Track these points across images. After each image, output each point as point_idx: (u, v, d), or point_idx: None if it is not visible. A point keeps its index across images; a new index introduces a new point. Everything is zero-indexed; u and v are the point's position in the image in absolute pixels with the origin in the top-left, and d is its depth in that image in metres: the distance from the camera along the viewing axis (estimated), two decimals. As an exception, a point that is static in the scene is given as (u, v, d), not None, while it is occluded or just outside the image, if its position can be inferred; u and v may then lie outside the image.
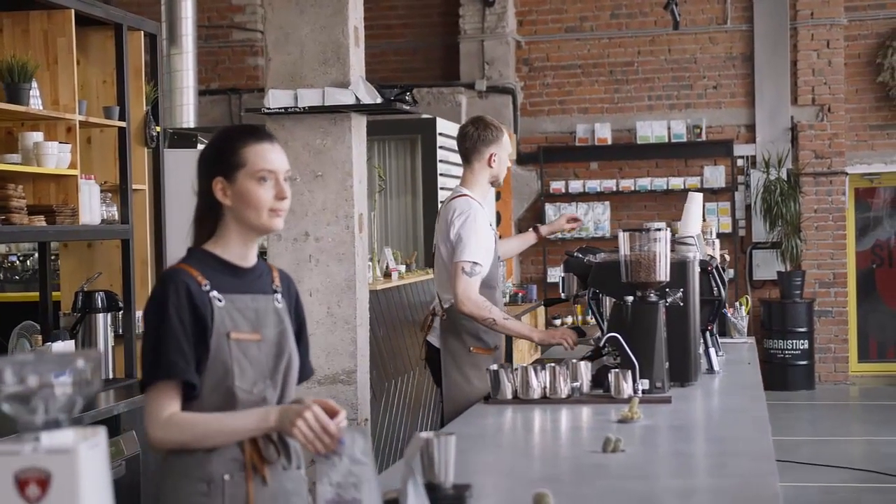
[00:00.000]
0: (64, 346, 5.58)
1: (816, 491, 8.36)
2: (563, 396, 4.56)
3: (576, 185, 13.78)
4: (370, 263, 7.62)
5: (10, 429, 1.90)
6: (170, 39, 10.39)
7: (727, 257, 8.03)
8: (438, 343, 5.57)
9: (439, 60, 14.44)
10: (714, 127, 13.73)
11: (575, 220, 6.17)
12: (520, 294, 12.22)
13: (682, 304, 4.88)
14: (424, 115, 10.72)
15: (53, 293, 6.23)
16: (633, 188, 13.65)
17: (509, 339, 6.69)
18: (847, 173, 13.53)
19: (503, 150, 5.65)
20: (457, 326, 5.49)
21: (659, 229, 4.79)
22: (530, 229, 6.28)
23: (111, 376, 5.93)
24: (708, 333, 5.54)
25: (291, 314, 3.11)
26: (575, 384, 4.62)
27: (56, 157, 5.52)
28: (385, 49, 14.18)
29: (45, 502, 1.81)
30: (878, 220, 14.06)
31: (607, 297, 5.21)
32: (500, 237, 6.20)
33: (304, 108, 6.08)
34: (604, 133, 13.79)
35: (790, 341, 13.08)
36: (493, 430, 4.21)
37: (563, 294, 5.65)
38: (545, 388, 4.58)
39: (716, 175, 13.51)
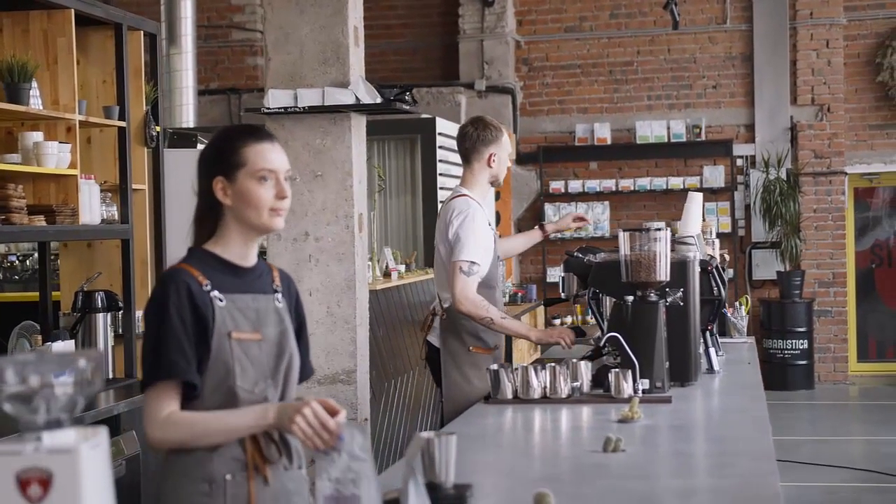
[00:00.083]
0: (64, 345, 5.58)
1: (816, 491, 8.36)
2: (564, 396, 4.56)
3: (575, 185, 13.78)
4: (370, 263, 7.62)
5: (12, 429, 1.90)
6: (169, 39, 10.39)
7: (727, 257, 8.03)
8: (438, 343, 5.57)
9: (439, 60, 14.44)
10: (713, 127, 13.73)
11: (581, 219, 6.17)
12: (519, 294, 12.22)
13: (682, 303, 4.89)
14: (424, 115, 10.72)
15: (53, 293, 6.22)
16: (632, 188, 13.65)
17: (509, 339, 6.70)
18: (846, 173, 13.53)
19: (503, 150, 5.65)
20: (457, 326, 5.49)
21: (659, 229, 4.79)
22: (536, 227, 6.29)
23: (111, 376, 5.92)
24: (708, 333, 5.54)
25: (292, 314, 3.11)
26: (575, 384, 4.62)
27: (56, 156, 5.52)
28: (384, 49, 14.18)
29: (47, 502, 1.81)
30: (878, 219, 14.06)
31: (607, 297, 5.21)
32: (504, 235, 6.21)
33: (303, 107, 6.08)
34: (603, 133, 13.79)
35: (789, 341, 13.08)
36: (493, 430, 4.21)
37: (563, 294, 5.66)
38: (545, 387, 4.58)
39: (715, 175, 13.51)
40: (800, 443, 10.13)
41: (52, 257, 6.63)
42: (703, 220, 6.71)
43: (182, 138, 8.55)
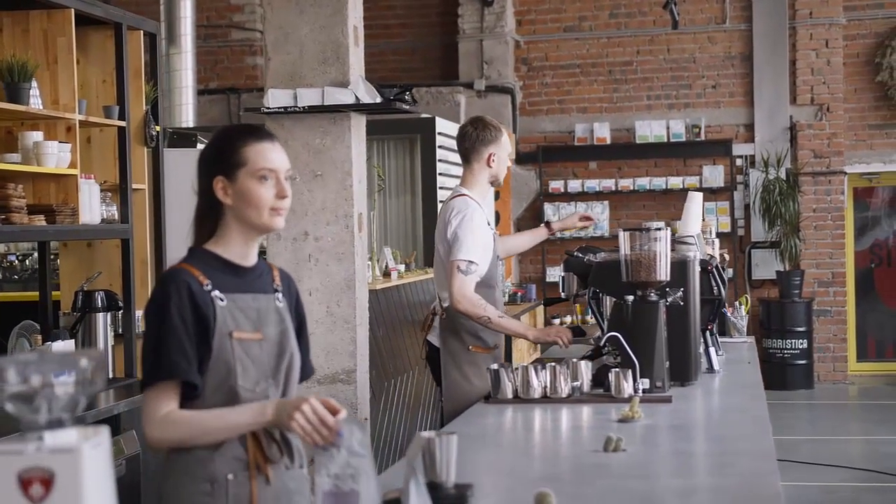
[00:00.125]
0: (64, 345, 5.58)
1: (816, 490, 8.37)
2: (564, 396, 4.57)
3: (574, 185, 13.78)
4: (369, 263, 7.62)
5: (14, 428, 1.90)
6: (169, 39, 10.39)
7: (726, 257, 8.03)
8: (438, 342, 5.58)
9: (438, 60, 14.44)
10: (713, 126, 13.73)
11: (587, 218, 6.17)
12: (519, 293, 12.23)
13: (682, 303, 4.89)
14: (423, 115, 10.72)
15: (53, 293, 6.22)
16: (631, 188, 13.65)
17: (509, 339, 6.70)
18: (846, 173, 13.53)
19: (502, 150, 5.65)
20: (456, 326, 5.50)
21: (659, 229, 4.79)
22: (542, 224, 6.31)
23: (111, 376, 5.92)
24: (708, 333, 5.55)
25: (292, 313, 3.11)
26: (575, 383, 4.63)
27: (56, 156, 5.52)
28: (384, 49, 14.18)
29: (49, 502, 1.81)
30: (877, 219, 14.06)
31: (607, 297, 5.21)
32: (508, 233, 6.22)
33: (303, 107, 6.08)
34: (603, 133, 13.79)
35: (789, 341, 13.08)
36: (493, 430, 4.21)
37: (563, 293, 5.66)
38: (545, 387, 4.59)
39: (714, 175, 13.51)
40: (799, 442, 10.14)
41: (52, 257, 6.63)
42: (703, 219, 6.71)
43: (182, 138, 8.55)
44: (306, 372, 3.15)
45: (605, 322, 5.16)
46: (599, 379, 4.69)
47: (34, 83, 5.49)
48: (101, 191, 5.94)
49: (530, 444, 4.13)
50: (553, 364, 4.62)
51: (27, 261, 9.27)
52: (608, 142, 13.78)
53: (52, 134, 5.66)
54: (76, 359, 1.92)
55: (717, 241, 7.24)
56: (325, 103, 6.06)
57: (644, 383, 4.58)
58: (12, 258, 9.33)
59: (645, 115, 13.82)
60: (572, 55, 14.02)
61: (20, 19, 5.70)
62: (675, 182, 13.52)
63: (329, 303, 6.17)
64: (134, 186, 6.17)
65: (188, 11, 10.59)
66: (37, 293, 6.21)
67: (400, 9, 14.51)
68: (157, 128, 6.47)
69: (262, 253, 6.23)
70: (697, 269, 5.15)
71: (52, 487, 1.81)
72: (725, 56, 13.73)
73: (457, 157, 5.93)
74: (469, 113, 12.91)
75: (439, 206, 9.99)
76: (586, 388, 4.66)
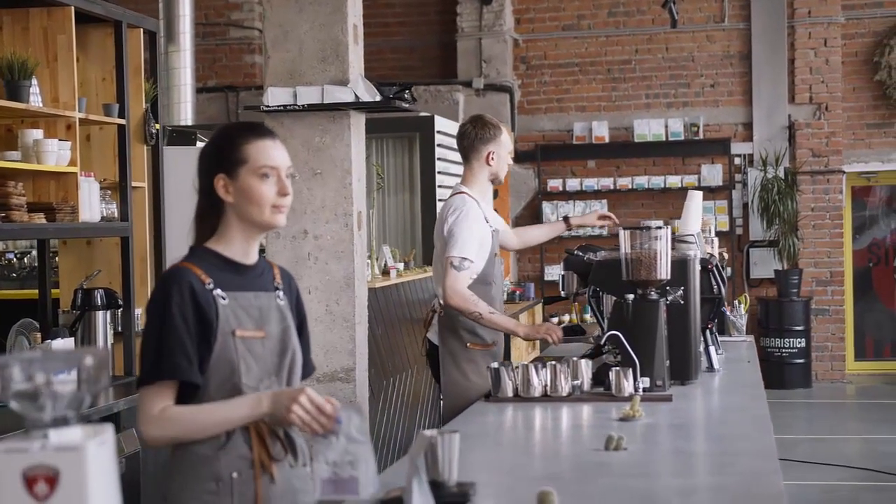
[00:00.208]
0: (63, 343, 5.58)
1: (814, 489, 8.37)
2: (564, 394, 4.57)
3: (573, 184, 13.78)
4: (368, 261, 7.62)
5: (18, 426, 1.90)
6: (167, 37, 10.38)
7: (726, 255, 8.03)
8: (437, 340, 5.59)
9: (437, 58, 14.43)
10: (711, 125, 13.73)
11: (606, 217, 6.15)
12: (517, 292, 12.23)
13: (682, 302, 4.88)
14: (422, 113, 10.72)
15: (52, 290, 6.22)
16: (630, 186, 13.65)
17: (508, 337, 6.70)
18: (844, 172, 13.54)
19: (502, 149, 5.67)
20: (454, 323, 5.51)
21: (660, 227, 4.79)
22: (561, 218, 6.34)
23: (111, 374, 5.92)
24: (708, 332, 5.55)
25: (293, 311, 3.11)
26: (576, 382, 4.63)
27: (56, 154, 5.52)
28: (382, 47, 14.17)
29: (54, 500, 1.81)
30: (875, 218, 14.07)
31: (607, 295, 5.21)
32: (521, 227, 6.25)
33: (303, 105, 6.08)
34: (601, 131, 13.78)
35: (787, 340, 13.08)
36: (494, 429, 4.21)
37: (562, 292, 5.66)
38: (546, 386, 4.59)
39: (713, 173, 13.51)
40: (797, 441, 10.14)
41: (51, 255, 6.62)
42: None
43: (181, 136, 8.54)
44: (307, 370, 3.16)
45: (605, 321, 5.16)
46: (600, 378, 4.69)
47: (34, 81, 5.49)
48: (101, 189, 5.94)
49: (531, 443, 4.13)
50: (553, 363, 4.62)
51: (25, 259, 9.26)
52: (606, 140, 13.77)
53: (51, 132, 5.66)
54: (80, 356, 1.91)
55: (716, 239, 7.24)
56: (325, 101, 6.06)
57: (644, 382, 4.58)
58: (10, 256, 9.33)
59: (643, 114, 13.82)
60: (571, 54, 14.02)
61: (20, 17, 5.70)
62: (674, 181, 13.52)
63: (328, 301, 6.17)
64: (133, 184, 6.17)
65: (187, 9, 10.59)
66: (35, 291, 6.21)
67: (399, 7, 14.51)
68: (157, 126, 6.46)
69: (262, 251, 6.23)
70: (698, 267, 5.15)
71: (56, 485, 1.81)
72: (724, 55, 13.73)
73: (456, 156, 5.94)
74: (467, 111, 12.92)
75: (438, 204, 10.02)
76: (587, 386, 4.66)
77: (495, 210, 6.51)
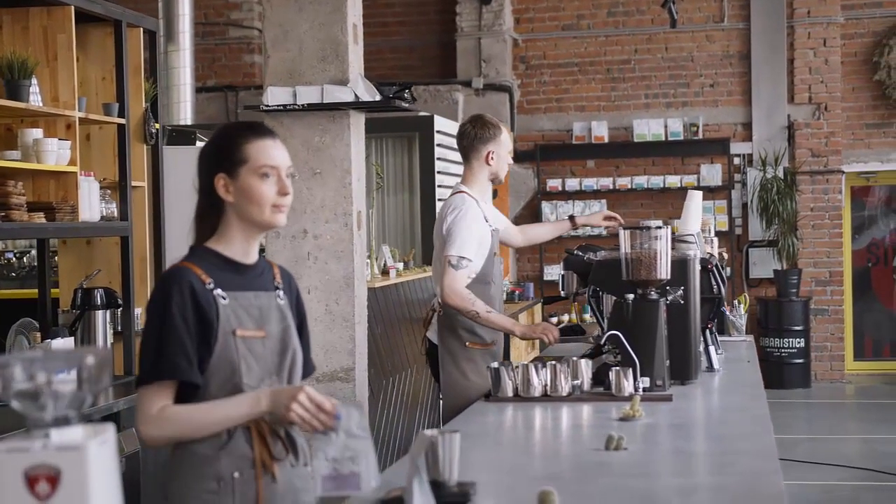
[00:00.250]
0: (63, 343, 5.58)
1: (813, 489, 8.37)
2: (564, 394, 4.56)
3: (572, 183, 13.77)
4: (368, 261, 7.62)
5: (20, 425, 1.90)
6: (167, 36, 10.37)
7: (725, 255, 8.03)
8: (437, 339, 5.59)
9: (436, 58, 14.43)
10: (711, 125, 13.73)
11: (612, 218, 6.14)
12: (516, 292, 12.23)
13: (682, 301, 4.88)
14: (422, 113, 10.72)
15: (52, 290, 6.22)
16: (629, 186, 13.64)
17: (507, 337, 6.70)
18: (843, 172, 13.54)
19: (501, 148, 5.67)
20: (453, 322, 5.52)
21: (660, 227, 4.79)
22: (566, 217, 6.34)
23: (112, 373, 5.91)
24: (708, 331, 5.55)
25: (293, 310, 3.11)
26: (576, 382, 4.63)
27: (56, 153, 5.52)
28: (381, 47, 14.17)
29: (55, 499, 1.81)
30: (874, 218, 14.07)
31: (607, 295, 5.21)
32: (526, 224, 6.26)
33: (302, 105, 6.08)
34: (600, 131, 13.78)
35: (786, 339, 13.09)
36: (494, 428, 4.21)
37: (562, 292, 5.66)
38: (546, 385, 4.58)
39: (712, 173, 13.51)
40: (796, 441, 10.14)
41: (51, 254, 6.62)
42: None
43: (181, 135, 8.54)
44: (307, 369, 3.16)
45: (605, 321, 5.16)
46: (600, 377, 4.69)
47: (34, 80, 5.48)
48: (101, 188, 5.93)
49: (531, 443, 4.13)
50: (553, 362, 4.62)
51: (24, 258, 9.26)
52: (606, 140, 13.77)
53: (51, 131, 5.66)
54: (82, 356, 1.91)
55: (716, 239, 7.24)
56: (325, 101, 6.06)
57: (644, 382, 4.58)
58: (9, 255, 9.32)
59: (643, 114, 13.82)
60: (570, 53, 14.02)
61: (20, 16, 5.70)
62: (673, 181, 13.52)
63: (328, 301, 6.17)
64: (133, 184, 6.17)
65: (186, 9, 10.58)
66: (34, 290, 6.21)
67: (398, 7, 14.51)
68: (157, 125, 6.46)
69: (262, 251, 6.23)
70: (697, 267, 5.15)
71: (58, 485, 1.81)
72: (723, 55, 13.73)
73: (455, 156, 5.95)
74: (467, 111, 12.92)
75: (438, 204, 10.02)
76: (587, 386, 4.65)
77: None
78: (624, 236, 4.77)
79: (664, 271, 4.74)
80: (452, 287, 5.36)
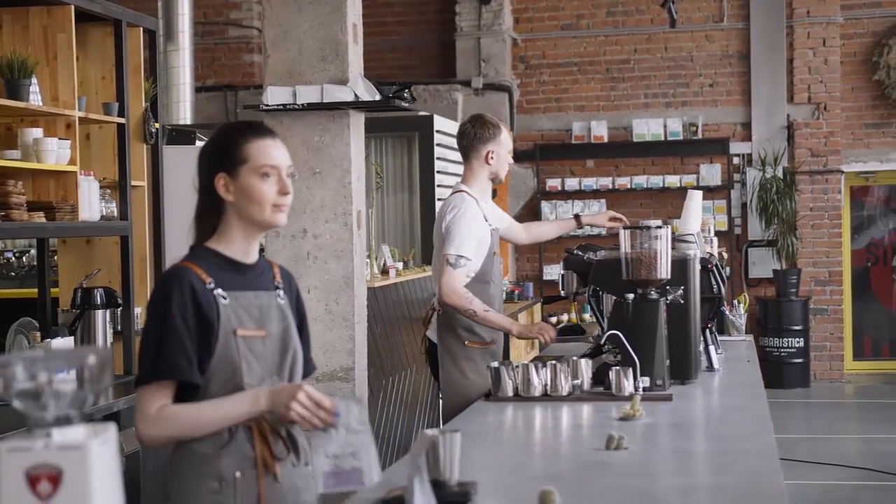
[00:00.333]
0: (63, 342, 5.57)
1: (813, 489, 8.37)
2: (564, 394, 4.56)
3: (572, 183, 13.77)
4: (368, 260, 7.62)
5: (21, 425, 1.90)
6: (166, 36, 10.37)
7: (725, 255, 8.04)
8: (436, 338, 5.60)
9: (435, 58, 14.43)
10: (710, 125, 13.73)
11: (617, 219, 6.12)
12: (516, 292, 12.23)
13: (682, 301, 4.88)
14: (421, 113, 10.71)
15: (52, 289, 6.22)
16: (629, 186, 13.64)
17: (507, 337, 6.70)
18: (843, 171, 13.54)
19: (501, 148, 5.67)
20: (452, 321, 5.52)
21: (660, 227, 4.79)
22: (572, 216, 6.35)
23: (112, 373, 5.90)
24: (707, 331, 5.55)
25: (293, 310, 3.12)
26: (576, 382, 4.62)
27: (55, 153, 5.52)
28: (381, 46, 14.17)
29: (57, 499, 1.81)
30: (873, 218, 14.07)
31: (607, 295, 5.21)
32: (531, 222, 6.26)
33: (302, 104, 6.08)
34: (600, 131, 13.78)
35: (786, 339, 13.09)
36: (494, 428, 4.21)
37: (562, 291, 5.66)
38: (546, 385, 4.58)
39: (712, 173, 13.51)
40: (796, 441, 10.14)
41: (50, 254, 6.62)
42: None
43: (180, 135, 8.54)
44: (308, 368, 3.16)
45: (605, 320, 5.16)
46: (600, 377, 4.69)
47: (34, 80, 5.48)
48: (101, 187, 5.93)
49: (531, 443, 4.13)
50: (553, 362, 4.62)
51: (24, 258, 9.26)
52: (605, 140, 13.77)
53: (51, 131, 5.65)
54: (83, 356, 1.91)
55: (715, 239, 7.24)
56: (324, 101, 6.07)
57: (644, 381, 4.58)
58: (9, 255, 9.32)
59: (642, 114, 13.82)
60: (570, 53, 14.02)
61: (20, 16, 5.70)
62: (672, 180, 13.52)
63: (328, 300, 6.17)
64: (133, 183, 6.17)
65: (186, 8, 10.58)
66: (34, 290, 6.21)
67: (398, 6, 14.50)
68: (157, 125, 6.46)
69: (262, 250, 6.23)
70: (697, 267, 5.15)
71: (59, 484, 1.81)
72: (723, 54, 13.74)
73: (455, 155, 5.95)
74: (466, 111, 12.92)
75: (437, 203, 10.02)
76: (587, 386, 4.65)
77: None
78: (624, 236, 4.77)
79: (664, 271, 4.75)
80: (450, 286, 5.37)
